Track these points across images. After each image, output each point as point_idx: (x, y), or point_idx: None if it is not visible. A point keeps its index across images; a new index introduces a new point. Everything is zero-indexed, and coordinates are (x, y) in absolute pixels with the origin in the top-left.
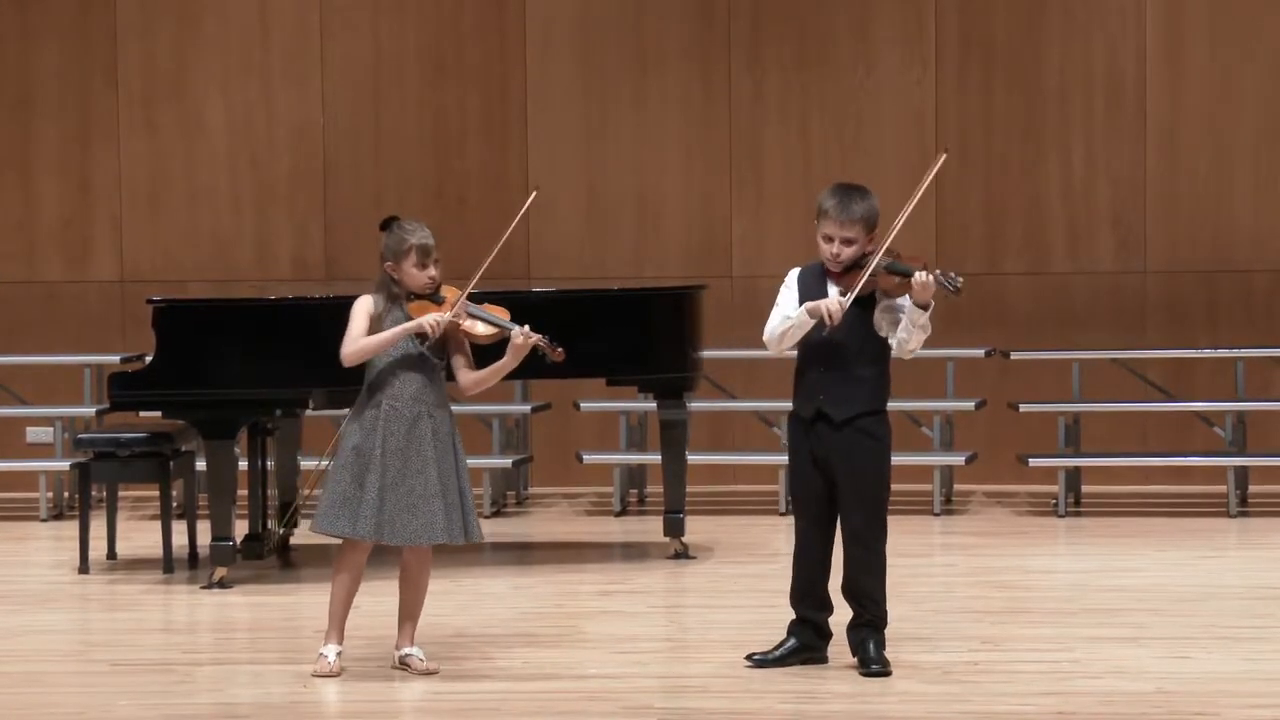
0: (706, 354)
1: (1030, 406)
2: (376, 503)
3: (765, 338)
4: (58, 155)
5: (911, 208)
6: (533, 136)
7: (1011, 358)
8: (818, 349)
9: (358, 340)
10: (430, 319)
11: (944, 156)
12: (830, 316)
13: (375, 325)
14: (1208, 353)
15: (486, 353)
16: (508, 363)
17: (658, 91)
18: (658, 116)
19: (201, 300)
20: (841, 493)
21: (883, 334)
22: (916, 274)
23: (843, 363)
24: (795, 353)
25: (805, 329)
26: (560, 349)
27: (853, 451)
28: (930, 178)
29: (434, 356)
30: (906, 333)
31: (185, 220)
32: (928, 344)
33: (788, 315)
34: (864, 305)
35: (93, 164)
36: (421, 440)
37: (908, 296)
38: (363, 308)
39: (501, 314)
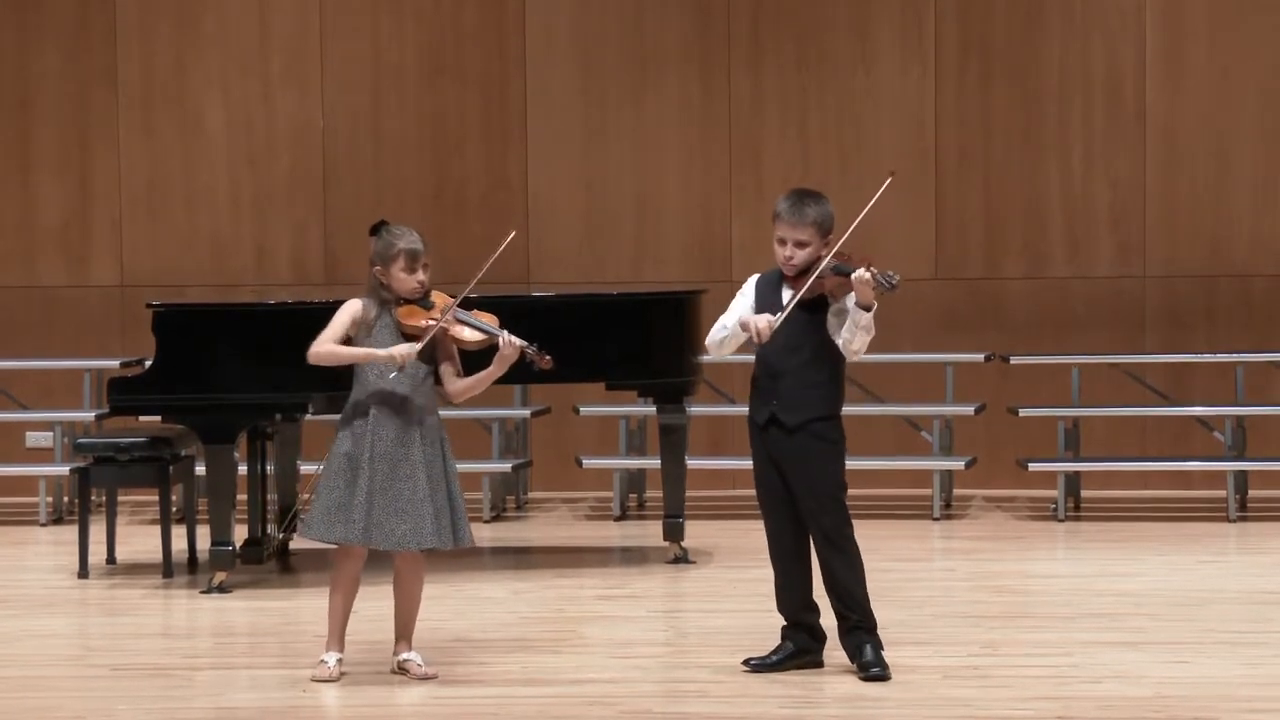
0: (706, 358)
1: (1029, 411)
2: (365, 507)
3: (706, 342)
4: (57, 157)
5: (859, 221)
6: (532, 139)
7: (1011, 362)
8: (772, 355)
9: (327, 343)
10: (400, 350)
11: (890, 179)
12: (758, 335)
13: (364, 330)
14: (1207, 357)
15: (476, 360)
16: (494, 371)
17: (657, 92)
18: (657, 118)
19: (201, 304)
20: (801, 497)
21: (835, 338)
22: (856, 271)
23: (796, 368)
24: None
25: (740, 340)
26: (548, 356)
27: (806, 456)
28: (877, 198)
29: (423, 363)
30: (850, 333)
31: (184, 223)
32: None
33: (725, 325)
34: (816, 310)
35: (92, 166)
36: (410, 445)
37: (853, 296)
38: (349, 312)
39: (491, 321)
